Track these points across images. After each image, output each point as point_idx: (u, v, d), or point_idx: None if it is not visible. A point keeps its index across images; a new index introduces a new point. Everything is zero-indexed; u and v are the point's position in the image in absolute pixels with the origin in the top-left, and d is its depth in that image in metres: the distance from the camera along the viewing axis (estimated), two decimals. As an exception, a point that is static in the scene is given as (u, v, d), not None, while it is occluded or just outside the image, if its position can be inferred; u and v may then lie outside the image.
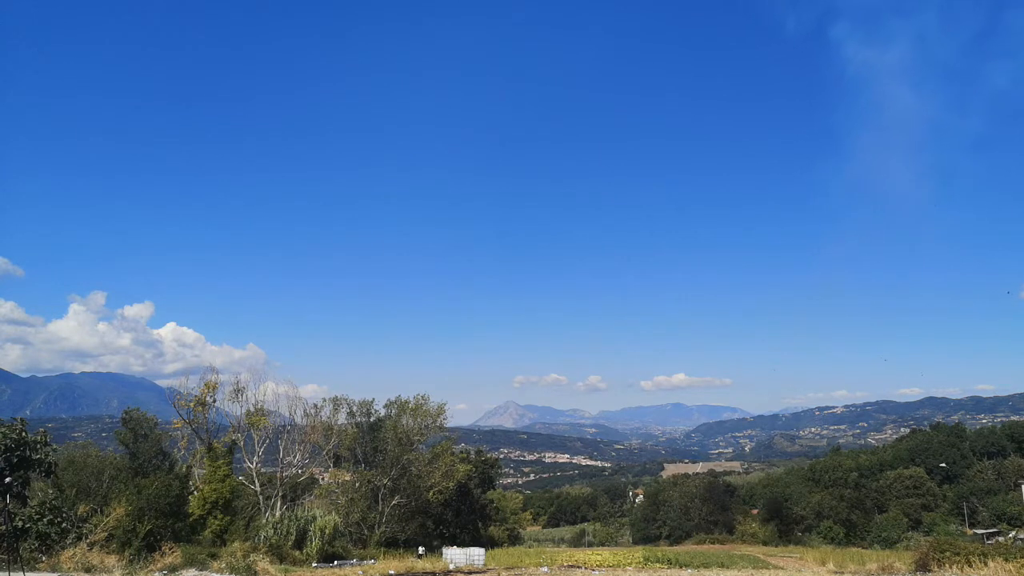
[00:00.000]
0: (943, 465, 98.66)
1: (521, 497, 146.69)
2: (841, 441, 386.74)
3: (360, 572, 39.01)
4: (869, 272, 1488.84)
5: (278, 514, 48.22)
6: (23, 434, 35.14)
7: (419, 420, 63.50)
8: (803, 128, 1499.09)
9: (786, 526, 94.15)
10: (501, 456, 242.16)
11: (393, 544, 56.91)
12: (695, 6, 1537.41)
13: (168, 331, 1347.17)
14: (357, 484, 58.59)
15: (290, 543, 44.21)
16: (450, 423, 72.66)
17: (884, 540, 76.21)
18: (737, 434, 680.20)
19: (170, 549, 36.09)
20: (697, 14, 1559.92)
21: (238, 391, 50.73)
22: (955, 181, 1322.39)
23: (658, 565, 47.63)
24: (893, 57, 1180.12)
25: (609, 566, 46.63)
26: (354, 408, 63.76)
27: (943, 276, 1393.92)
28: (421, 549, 51.60)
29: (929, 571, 33.98)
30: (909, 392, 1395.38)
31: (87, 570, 31.31)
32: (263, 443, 51.69)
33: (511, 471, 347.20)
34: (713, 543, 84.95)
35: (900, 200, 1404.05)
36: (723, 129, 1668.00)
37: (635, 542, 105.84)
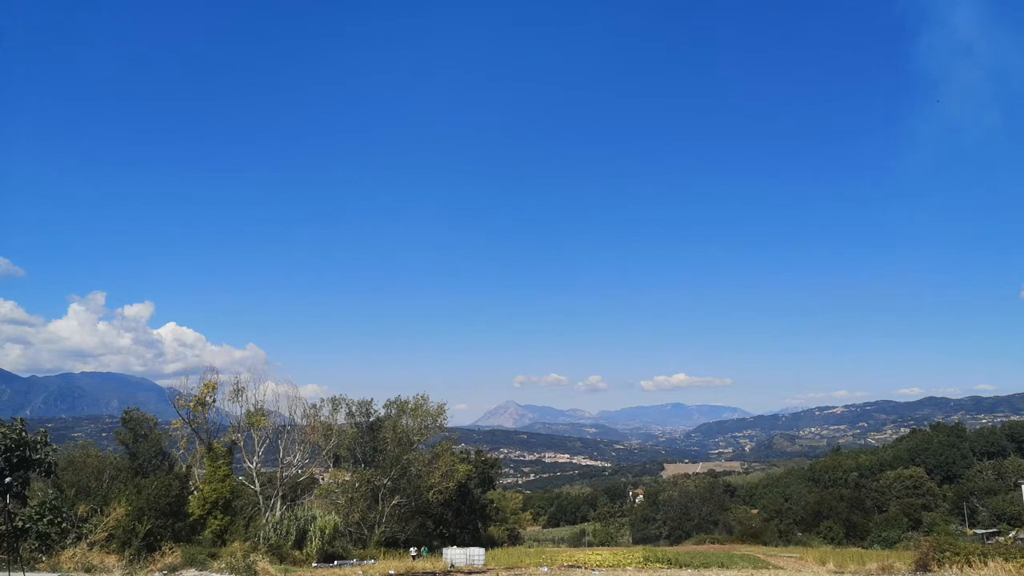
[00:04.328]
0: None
1: (521, 497, 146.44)
2: (841, 441, 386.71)
3: (360, 572, 39.03)
4: (869, 272, 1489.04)
5: (278, 514, 48.20)
6: (23, 434, 35.19)
7: (419, 420, 63.50)
8: (801, 130, 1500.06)
9: (786, 526, 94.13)
10: (501, 456, 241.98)
11: (393, 544, 56.90)
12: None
13: (168, 331, 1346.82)
14: (357, 484, 58.57)
15: (290, 543, 44.22)
16: (450, 423, 72.69)
17: (884, 540, 76.14)
18: (737, 434, 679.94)
19: (170, 549, 36.14)
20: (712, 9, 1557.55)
21: (238, 391, 50.68)
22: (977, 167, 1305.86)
23: (658, 565, 47.65)
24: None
25: (609, 566, 46.66)
26: (353, 408, 63.73)
27: (944, 276, 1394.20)
28: (413, 550, 51.22)
29: (929, 571, 34.00)
30: (909, 392, 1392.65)
31: (87, 570, 31.34)
32: (263, 443, 51.66)
33: (511, 471, 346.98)
34: (713, 543, 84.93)
35: (903, 200, 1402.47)
36: (715, 131, 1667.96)
37: (635, 542, 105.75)
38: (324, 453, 57.59)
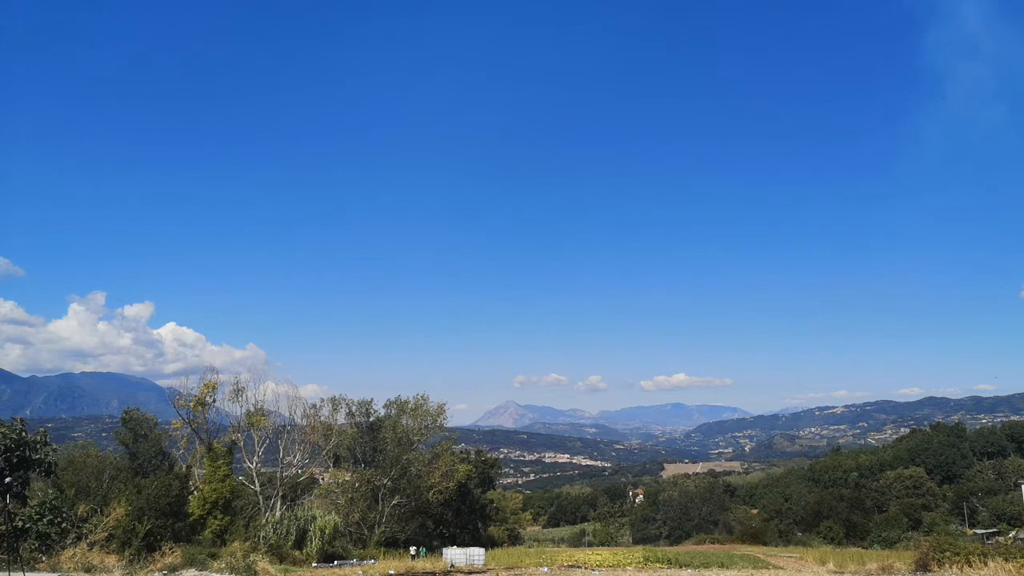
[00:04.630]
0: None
1: (521, 497, 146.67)
2: (841, 441, 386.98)
3: (360, 572, 39.04)
4: (869, 272, 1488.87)
5: (278, 514, 48.23)
6: (23, 434, 35.21)
7: (419, 420, 63.52)
8: (801, 130, 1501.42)
9: (786, 526, 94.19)
10: (501, 456, 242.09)
11: (393, 544, 56.93)
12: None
13: (168, 331, 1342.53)
14: (357, 484, 58.59)
15: (290, 543, 44.23)
16: (450, 423, 72.71)
17: (884, 540, 76.20)
18: (737, 434, 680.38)
19: (170, 549, 36.13)
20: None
21: (238, 391, 50.72)
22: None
23: (658, 565, 47.68)
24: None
25: (609, 566, 46.69)
26: (353, 408, 63.76)
27: (944, 276, 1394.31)
28: (413, 549, 51.17)
29: (929, 571, 34.01)
30: (909, 392, 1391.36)
31: (87, 570, 31.35)
32: (263, 443, 51.69)
33: (511, 471, 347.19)
34: (713, 543, 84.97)
35: (903, 200, 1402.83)
36: (715, 131, 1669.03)
37: (635, 542, 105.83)
38: (324, 453, 57.62)
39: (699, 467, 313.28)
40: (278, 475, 51.78)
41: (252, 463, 50.86)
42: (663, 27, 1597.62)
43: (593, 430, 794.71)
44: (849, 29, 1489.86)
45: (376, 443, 62.13)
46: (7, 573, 25.45)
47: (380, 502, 59.34)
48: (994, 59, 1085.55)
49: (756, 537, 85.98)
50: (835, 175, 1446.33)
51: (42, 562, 32.66)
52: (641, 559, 51.53)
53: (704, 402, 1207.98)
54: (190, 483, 49.05)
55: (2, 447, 33.65)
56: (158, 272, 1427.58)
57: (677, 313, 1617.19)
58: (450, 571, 42.73)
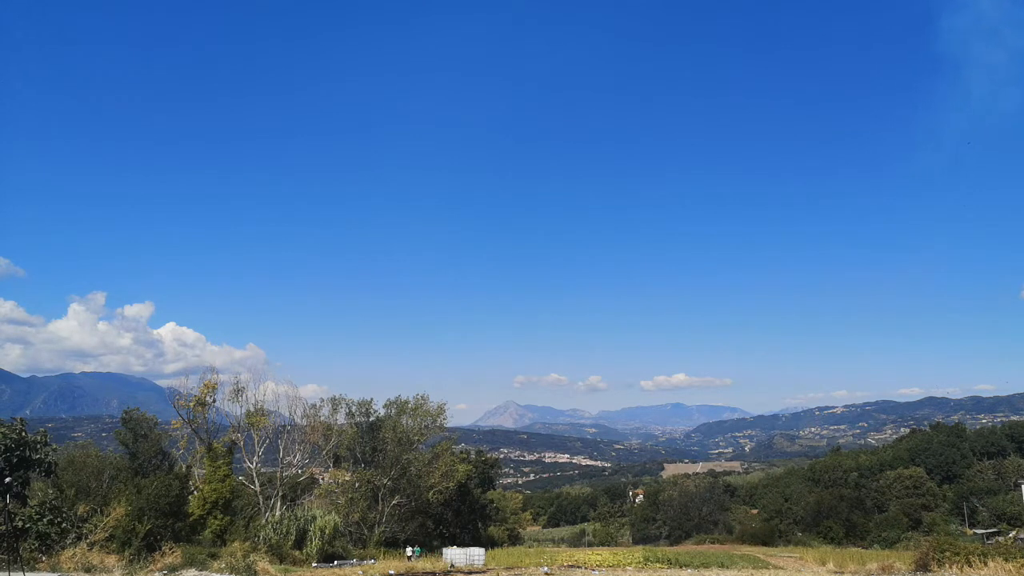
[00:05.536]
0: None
1: (521, 497, 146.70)
2: (841, 441, 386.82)
3: (360, 572, 39.04)
4: (869, 271, 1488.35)
5: (278, 514, 48.22)
6: (23, 434, 35.24)
7: (419, 420, 63.49)
8: (800, 130, 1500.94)
9: (786, 526, 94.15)
10: (501, 456, 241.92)
11: (393, 544, 56.93)
12: None
13: (168, 331, 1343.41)
14: (357, 484, 58.60)
15: (290, 543, 44.22)
16: (450, 423, 72.66)
17: (884, 540, 76.19)
18: (737, 434, 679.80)
19: (170, 549, 36.13)
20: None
21: (238, 391, 50.74)
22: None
23: (658, 565, 47.69)
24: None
25: (609, 566, 46.68)
26: (353, 408, 63.73)
27: (944, 276, 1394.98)
28: (409, 550, 51.12)
29: (929, 571, 33.99)
30: (909, 392, 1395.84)
31: (87, 570, 31.33)
32: (263, 443, 51.68)
33: (511, 471, 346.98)
34: (713, 543, 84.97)
35: (902, 199, 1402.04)
36: (717, 131, 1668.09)
37: (635, 542, 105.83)
38: (324, 453, 57.62)
39: (699, 467, 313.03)
40: (278, 475, 51.78)
41: (252, 463, 50.85)
42: (665, 27, 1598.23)
43: (593, 430, 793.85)
44: (853, 27, 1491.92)
45: (376, 443, 62.10)
46: (7, 573, 25.44)
47: (380, 502, 59.34)
48: (1010, 44, 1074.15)
49: (756, 537, 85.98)
50: (834, 175, 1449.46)
51: (42, 562, 32.66)
52: (641, 559, 51.55)
53: (704, 402, 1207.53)
54: (190, 483, 49.01)
55: (2, 447, 33.67)
56: (158, 272, 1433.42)
57: (677, 313, 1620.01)
58: (450, 571, 42.73)
